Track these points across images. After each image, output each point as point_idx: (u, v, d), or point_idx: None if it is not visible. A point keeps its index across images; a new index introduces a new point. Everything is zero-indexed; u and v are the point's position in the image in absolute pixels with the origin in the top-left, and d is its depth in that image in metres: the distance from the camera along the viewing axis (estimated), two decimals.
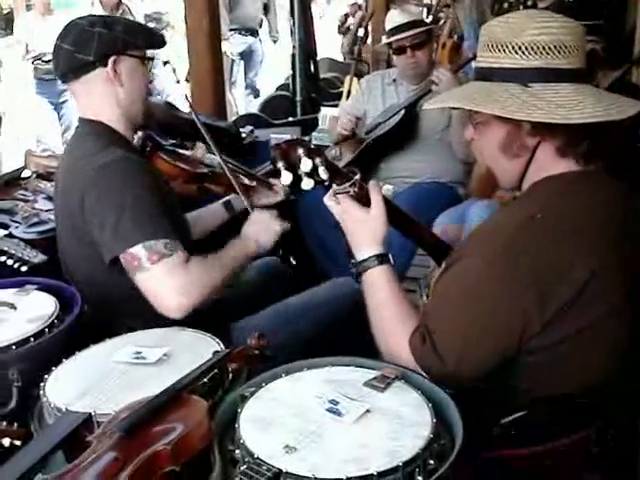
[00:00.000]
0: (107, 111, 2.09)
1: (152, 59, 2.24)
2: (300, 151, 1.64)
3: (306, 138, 4.51)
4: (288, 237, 2.28)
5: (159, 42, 2.24)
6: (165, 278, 1.89)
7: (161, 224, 1.94)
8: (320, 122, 5.62)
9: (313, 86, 6.40)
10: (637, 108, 1.50)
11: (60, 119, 6.10)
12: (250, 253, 2.18)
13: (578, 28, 1.52)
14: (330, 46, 10.52)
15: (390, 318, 1.60)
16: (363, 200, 1.68)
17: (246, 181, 2.61)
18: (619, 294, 1.43)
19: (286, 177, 1.65)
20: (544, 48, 1.46)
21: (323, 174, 1.64)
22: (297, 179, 1.66)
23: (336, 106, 5.53)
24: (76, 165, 2.03)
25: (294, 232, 2.29)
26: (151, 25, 6.63)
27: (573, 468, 1.50)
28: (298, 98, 6.28)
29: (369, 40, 7.06)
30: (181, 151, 2.76)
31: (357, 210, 1.68)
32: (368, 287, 1.66)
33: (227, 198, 2.58)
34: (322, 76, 7.04)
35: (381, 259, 1.66)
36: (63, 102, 6.05)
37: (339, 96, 6.42)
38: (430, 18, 9.42)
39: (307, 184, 1.66)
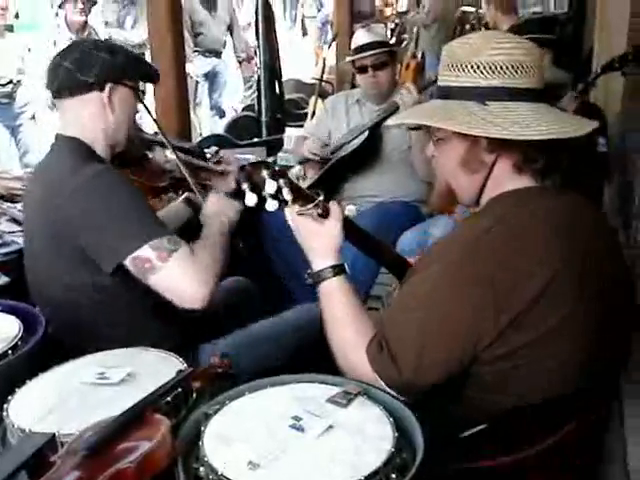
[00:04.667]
0: (92, 133, 2.11)
1: (145, 92, 2.29)
2: (264, 173, 1.66)
3: (271, 158, 4.55)
4: (241, 222, 2.30)
5: (155, 76, 2.30)
6: (180, 272, 1.92)
7: (158, 222, 1.99)
8: (285, 142, 5.67)
9: (278, 107, 6.44)
10: (592, 126, 1.55)
11: (17, 143, 6.04)
12: (224, 226, 2.21)
13: (535, 49, 1.57)
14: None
15: (346, 328, 1.62)
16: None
17: (205, 179, 2.65)
18: (574, 303, 1.47)
19: (250, 198, 1.67)
20: (501, 68, 1.51)
21: (287, 195, 1.67)
22: (262, 200, 1.68)
23: (301, 126, 5.58)
24: (56, 182, 2.02)
25: (248, 218, 2.31)
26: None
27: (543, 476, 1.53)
28: (263, 119, 6.31)
29: (334, 61, 7.12)
30: (144, 161, 2.75)
31: (313, 223, 1.71)
32: (324, 298, 1.69)
33: (186, 195, 2.60)
34: (287, 97, 7.08)
35: (337, 270, 1.69)
36: (19, 125, 5.99)
37: (304, 117, 6.47)
38: (394, 39, 9.58)
39: (271, 205, 1.68)
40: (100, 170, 2.00)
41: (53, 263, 2.06)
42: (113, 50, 2.12)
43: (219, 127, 7.13)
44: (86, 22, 6.07)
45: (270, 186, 1.64)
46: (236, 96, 8.50)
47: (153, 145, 2.76)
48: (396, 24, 10.47)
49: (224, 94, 7.93)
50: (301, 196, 1.71)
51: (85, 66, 2.05)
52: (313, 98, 6.39)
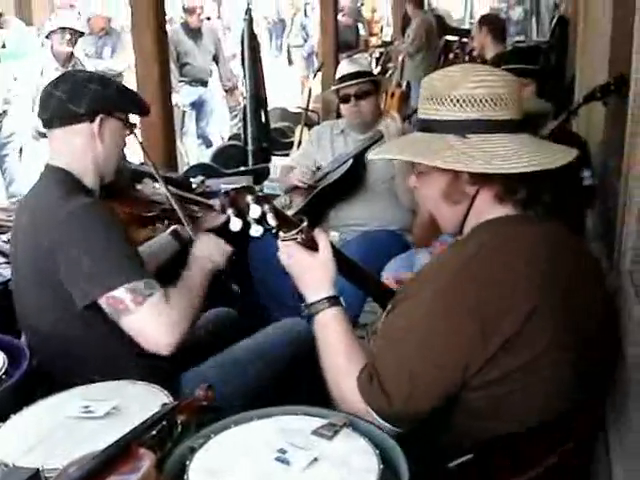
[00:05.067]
0: (81, 163, 2.12)
1: (135, 126, 2.29)
2: (249, 198, 1.67)
3: (257, 187, 4.56)
4: (232, 264, 2.30)
5: (146, 110, 2.32)
6: (153, 318, 1.94)
7: (137, 264, 1.99)
8: (271, 171, 5.68)
9: (264, 136, 6.47)
10: (571, 156, 1.57)
11: (3, 173, 6.04)
12: (208, 271, 2.20)
13: (513, 81, 1.60)
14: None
15: (340, 359, 1.62)
16: (310, 246, 1.73)
17: (194, 211, 2.65)
18: (559, 330, 1.48)
19: (235, 224, 1.69)
20: (480, 101, 1.53)
21: (271, 221, 1.68)
22: (246, 226, 1.70)
23: (287, 155, 5.60)
24: (43, 212, 2.04)
25: (238, 259, 2.31)
26: None
27: None
28: (249, 148, 6.33)
29: (320, 90, 7.18)
30: (132, 193, 2.76)
31: (305, 255, 1.72)
32: (320, 329, 1.69)
33: (173, 228, 2.60)
34: (273, 125, 7.12)
35: (332, 301, 1.70)
36: (5, 155, 5.99)
37: (290, 145, 6.50)
38: (379, 68, 9.68)
39: (256, 230, 1.69)
40: (86, 204, 2.00)
41: (39, 295, 2.06)
42: (104, 82, 2.14)
43: (206, 156, 7.15)
44: (72, 53, 6.10)
45: (254, 211, 1.66)
46: (223, 125, 8.55)
47: (142, 176, 2.77)
48: (381, 53, 10.59)
49: (211, 123, 7.98)
50: (285, 222, 1.72)
51: (77, 97, 2.07)
52: (299, 127, 6.43)
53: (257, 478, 1.31)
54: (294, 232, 1.72)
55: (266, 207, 1.67)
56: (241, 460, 1.37)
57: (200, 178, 4.27)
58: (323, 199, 3.66)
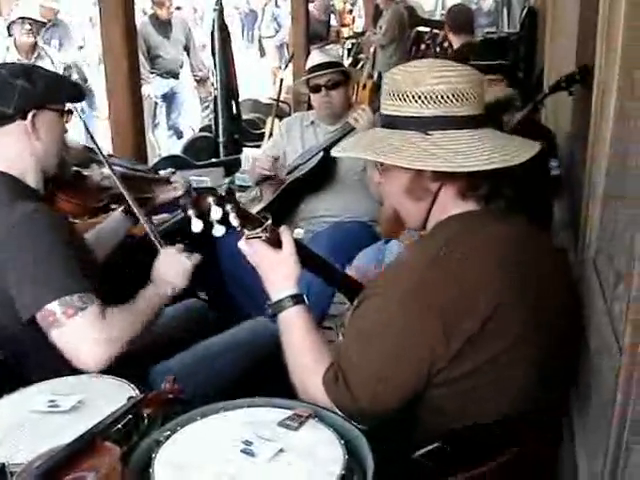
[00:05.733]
0: (20, 164, 2.06)
1: (71, 112, 2.21)
2: (210, 199, 1.68)
3: (228, 179, 4.55)
4: (199, 272, 2.26)
5: (80, 95, 2.24)
6: (82, 332, 1.87)
7: (74, 278, 1.91)
8: (243, 163, 5.68)
9: (235, 127, 6.46)
10: (533, 151, 1.58)
11: None
12: (165, 297, 2.13)
13: (475, 76, 1.60)
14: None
15: (305, 357, 1.64)
16: (275, 244, 1.73)
17: (145, 192, 2.61)
18: (523, 327, 1.50)
19: (197, 225, 1.69)
20: (442, 97, 1.53)
21: (234, 221, 1.69)
22: (209, 226, 1.70)
23: (259, 147, 5.60)
24: None
25: (205, 266, 2.27)
26: (73, 75, 6.63)
27: None
28: (221, 139, 6.33)
29: (291, 81, 7.17)
30: (80, 181, 2.69)
31: (269, 252, 1.73)
32: (284, 327, 1.70)
33: (124, 207, 2.53)
34: (245, 117, 7.10)
35: (296, 299, 1.70)
36: None
37: (262, 137, 6.49)
38: (350, 59, 9.68)
39: (218, 231, 1.70)
40: (29, 212, 1.94)
41: None
42: (30, 76, 2.03)
43: (177, 148, 7.13)
44: (36, 43, 6.03)
45: (216, 212, 1.66)
46: (194, 117, 8.51)
47: (88, 162, 2.71)
48: (353, 44, 10.59)
49: (182, 115, 7.95)
50: (249, 220, 1.73)
51: (3, 97, 1.99)
52: (270, 118, 6.43)
53: (222, 470, 1.31)
54: (259, 230, 1.73)
55: (228, 207, 1.67)
56: (207, 452, 1.37)
57: (170, 170, 4.25)
58: (294, 192, 3.66)
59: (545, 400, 1.58)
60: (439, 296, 1.46)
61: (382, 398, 1.51)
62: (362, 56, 9.68)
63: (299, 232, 3.46)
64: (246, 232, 1.72)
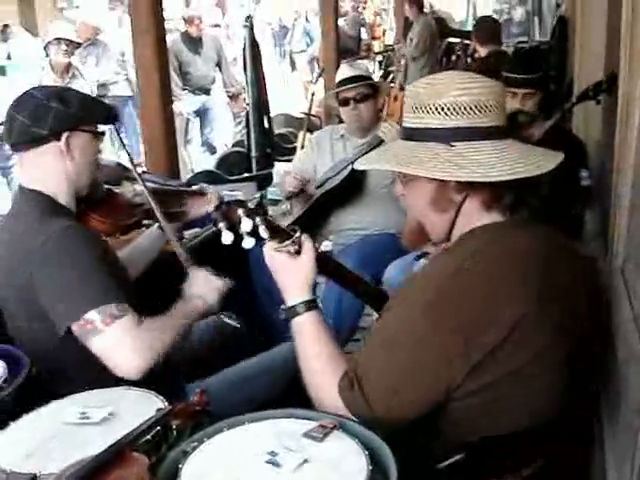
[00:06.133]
0: (53, 183, 2.11)
1: (104, 134, 2.27)
2: (240, 212, 1.70)
3: (258, 194, 4.59)
4: (231, 293, 2.29)
5: (112, 117, 2.29)
6: (120, 339, 1.92)
7: (111, 289, 1.96)
8: (275, 177, 5.71)
9: (267, 142, 6.50)
10: (557, 161, 1.58)
11: (9, 184, 6.10)
12: (199, 311, 2.18)
13: (497, 87, 1.61)
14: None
15: (317, 363, 1.65)
16: (299, 253, 1.76)
17: (178, 206, 2.65)
18: (546, 339, 1.50)
19: (227, 237, 1.71)
20: (465, 108, 1.54)
21: (263, 233, 1.71)
22: (239, 238, 1.72)
23: (291, 161, 5.63)
24: (19, 240, 2.03)
25: (238, 290, 2.30)
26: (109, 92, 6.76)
27: None
28: (253, 154, 6.37)
29: (321, 95, 7.21)
30: (111, 199, 2.73)
31: (287, 258, 1.75)
32: (297, 333, 1.72)
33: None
34: (277, 131, 7.16)
35: (309, 305, 1.72)
36: (11, 166, 6.05)
37: (294, 151, 6.53)
38: (381, 72, 9.70)
39: (248, 243, 1.72)
40: (62, 229, 1.99)
41: (22, 317, 2.07)
42: (65, 98, 2.09)
43: (210, 163, 7.20)
44: (70, 63, 6.14)
45: (246, 224, 1.68)
46: (227, 132, 8.59)
47: (119, 180, 2.75)
48: (383, 56, 10.61)
49: (215, 130, 8.03)
50: (278, 233, 1.75)
51: (38, 119, 2.04)
52: (302, 132, 6.46)
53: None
54: (287, 243, 1.75)
55: (258, 220, 1.69)
56: (232, 462, 1.39)
57: (203, 185, 4.30)
58: (323, 205, 3.69)
59: (570, 410, 1.58)
60: (460, 308, 1.47)
61: (398, 409, 1.51)
62: (392, 68, 9.71)
63: (327, 244, 3.48)
64: (274, 244, 1.75)
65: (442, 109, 1.55)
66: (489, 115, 1.56)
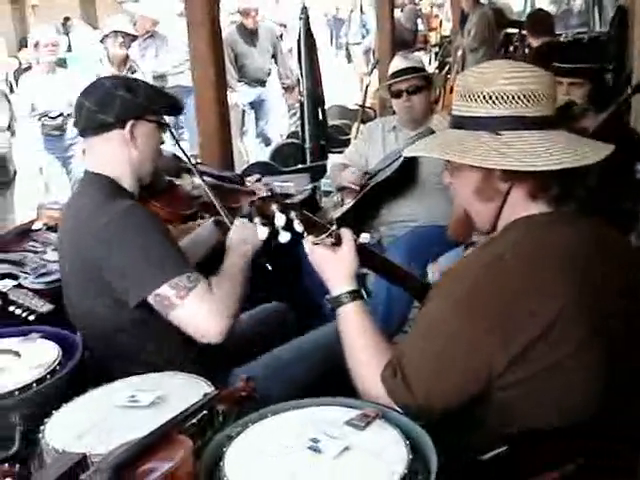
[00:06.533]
0: (117, 168, 2.18)
1: (168, 125, 2.33)
2: (274, 207, 1.73)
3: (311, 185, 4.61)
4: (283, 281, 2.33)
5: (177, 109, 2.36)
6: (198, 308, 1.99)
7: (178, 260, 2.04)
8: (328, 169, 5.72)
9: (322, 133, 6.53)
10: (605, 152, 1.56)
11: (68, 174, 6.24)
12: (247, 255, 2.23)
13: (546, 77, 1.59)
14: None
15: (362, 352, 1.67)
16: (337, 245, 1.78)
17: (233, 202, 2.70)
18: (587, 332, 1.48)
19: (262, 232, 1.75)
20: (513, 97, 1.53)
21: (298, 227, 1.73)
22: (274, 233, 1.75)
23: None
24: (84, 219, 2.11)
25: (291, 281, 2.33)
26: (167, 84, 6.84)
27: None
28: (307, 145, 6.40)
29: (376, 87, 7.19)
30: (172, 190, 2.80)
31: (327, 250, 1.78)
32: (342, 323, 1.74)
33: (215, 217, 2.63)
34: (331, 123, 7.17)
35: (354, 295, 1.74)
36: (70, 157, 6.19)
37: (348, 143, 6.53)
38: (437, 63, 9.62)
39: (284, 237, 1.75)
40: (126, 207, 2.07)
41: (86, 296, 2.14)
42: (132, 87, 2.17)
43: (265, 155, 7.26)
44: (127, 56, 6.25)
45: (280, 219, 1.71)
46: (282, 123, 8.64)
47: (180, 172, 2.83)
48: (440, 47, 10.53)
49: (270, 122, 8.07)
50: (313, 227, 1.77)
51: (105, 106, 2.12)
52: (356, 124, 6.46)
53: (289, 465, 1.35)
54: (324, 236, 1.77)
55: (292, 214, 1.72)
56: (275, 447, 1.42)
57: (256, 176, 4.34)
58: (374, 197, 3.68)
59: (613, 410, 1.55)
60: (496, 299, 1.47)
61: (438, 396, 1.52)
62: (449, 59, 9.63)
63: (365, 236, 3.47)
64: (311, 238, 1.77)
65: (489, 97, 1.55)
66: (537, 105, 1.55)
